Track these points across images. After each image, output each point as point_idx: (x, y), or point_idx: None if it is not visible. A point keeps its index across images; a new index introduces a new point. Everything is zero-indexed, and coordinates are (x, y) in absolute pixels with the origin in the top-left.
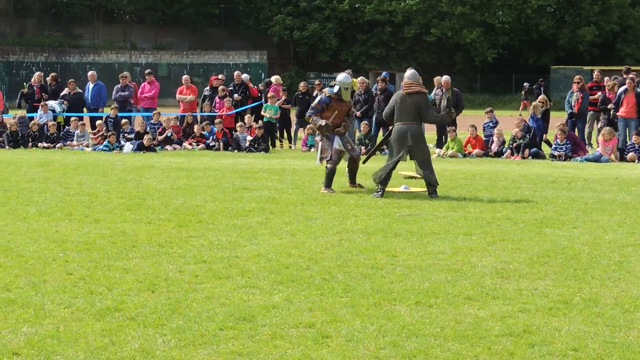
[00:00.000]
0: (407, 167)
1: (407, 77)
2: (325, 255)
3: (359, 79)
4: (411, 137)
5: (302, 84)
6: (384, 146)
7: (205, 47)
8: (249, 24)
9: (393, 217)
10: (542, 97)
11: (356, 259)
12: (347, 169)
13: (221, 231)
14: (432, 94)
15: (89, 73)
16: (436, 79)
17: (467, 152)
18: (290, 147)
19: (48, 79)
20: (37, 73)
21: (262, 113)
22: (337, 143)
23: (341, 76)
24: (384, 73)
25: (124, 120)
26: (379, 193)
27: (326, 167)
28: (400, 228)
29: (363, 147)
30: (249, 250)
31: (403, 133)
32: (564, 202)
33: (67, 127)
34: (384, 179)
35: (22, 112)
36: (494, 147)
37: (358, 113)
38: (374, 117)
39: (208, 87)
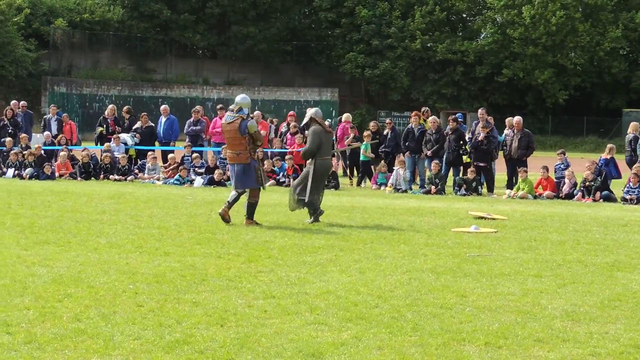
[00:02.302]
0: (477, 208)
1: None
2: (394, 293)
3: (430, 118)
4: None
5: (372, 123)
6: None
7: (277, 83)
8: (320, 61)
9: (463, 257)
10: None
11: (425, 298)
12: (247, 202)
13: (290, 267)
14: (504, 134)
15: (162, 107)
16: (508, 119)
17: (537, 193)
18: (361, 185)
19: (122, 111)
20: (111, 106)
21: (362, 153)
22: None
23: (242, 97)
24: (458, 114)
25: (194, 155)
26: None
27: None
28: (469, 268)
29: (433, 187)
30: (318, 287)
31: (328, 167)
32: (636, 245)
33: (143, 160)
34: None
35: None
36: (565, 189)
37: (429, 152)
38: (445, 157)
39: (285, 124)
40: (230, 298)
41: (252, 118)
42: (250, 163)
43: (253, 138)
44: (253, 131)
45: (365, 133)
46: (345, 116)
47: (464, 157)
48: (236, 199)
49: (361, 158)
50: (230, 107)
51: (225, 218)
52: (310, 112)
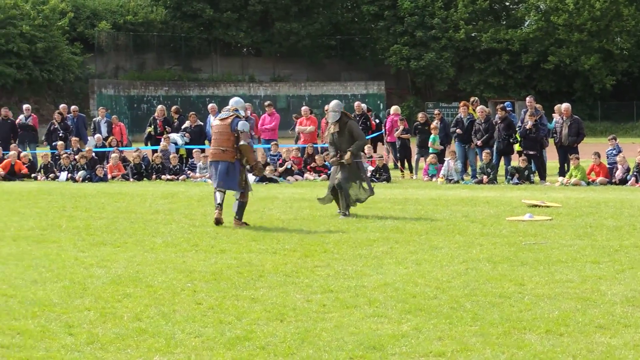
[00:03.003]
0: (530, 196)
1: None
2: (452, 284)
3: (479, 107)
4: None
5: (420, 114)
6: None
7: (323, 78)
8: (365, 54)
9: (519, 245)
10: None
11: (483, 288)
12: (236, 202)
13: (347, 261)
14: (553, 122)
15: (210, 106)
16: (556, 107)
17: (590, 180)
18: (412, 177)
19: (171, 112)
20: (160, 106)
21: (429, 145)
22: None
23: (236, 100)
24: (506, 103)
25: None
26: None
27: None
28: (526, 257)
29: (485, 176)
30: (375, 280)
31: None
32: None
33: (191, 160)
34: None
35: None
36: (618, 175)
37: (479, 142)
38: (495, 146)
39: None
40: (288, 293)
41: (246, 119)
42: (235, 163)
43: (238, 140)
44: (241, 130)
45: (433, 125)
46: (394, 109)
47: (516, 146)
48: (223, 198)
49: (430, 151)
50: (226, 108)
51: (220, 222)
52: (338, 106)
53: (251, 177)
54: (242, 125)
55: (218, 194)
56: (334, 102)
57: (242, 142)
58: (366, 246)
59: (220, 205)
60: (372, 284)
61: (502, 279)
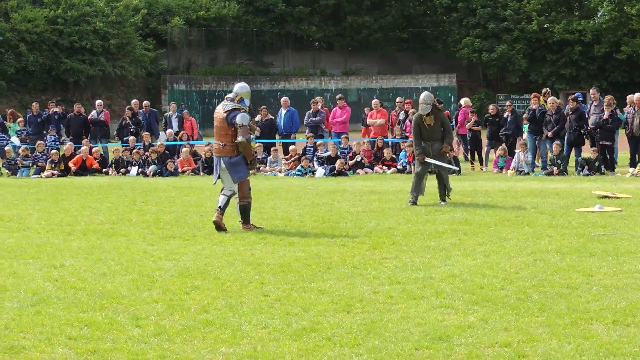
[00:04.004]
0: (601, 187)
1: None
2: (519, 275)
3: (550, 99)
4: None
5: (491, 106)
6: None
7: (394, 71)
8: (437, 47)
9: (587, 236)
10: None
11: (551, 279)
12: (238, 205)
13: (415, 252)
14: (625, 112)
15: (282, 99)
16: (629, 97)
17: None
18: (482, 169)
19: None
20: None
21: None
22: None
23: (241, 86)
24: (577, 94)
25: (319, 142)
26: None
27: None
28: (595, 247)
29: (555, 168)
30: (443, 271)
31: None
32: None
33: (265, 154)
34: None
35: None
36: None
37: (550, 134)
38: (566, 138)
39: (402, 111)
40: (355, 285)
41: (246, 111)
42: (238, 156)
43: (237, 133)
44: (239, 124)
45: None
46: (465, 100)
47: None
48: (227, 203)
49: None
50: (229, 96)
51: (220, 226)
52: (429, 97)
53: (320, 171)
54: (240, 118)
55: (221, 196)
56: (425, 94)
57: (239, 138)
58: (434, 238)
59: (221, 208)
60: (440, 275)
61: (570, 270)
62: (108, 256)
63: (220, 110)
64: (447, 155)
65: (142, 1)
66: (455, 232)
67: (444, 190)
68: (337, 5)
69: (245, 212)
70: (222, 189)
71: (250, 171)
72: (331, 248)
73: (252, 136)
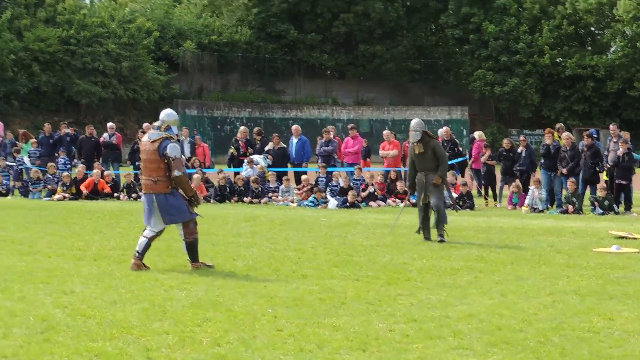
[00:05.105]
0: (617, 227)
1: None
2: (538, 316)
3: (564, 134)
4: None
5: (505, 140)
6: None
7: (406, 102)
8: (449, 78)
9: (606, 278)
10: None
11: (571, 322)
12: (184, 242)
13: (430, 290)
14: None
15: (293, 127)
16: None
17: None
18: (496, 204)
19: (253, 133)
20: (242, 128)
21: None
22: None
23: (167, 113)
24: (591, 130)
25: (334, 173)
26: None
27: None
28: (614, 290)
29: (570, 206)
30: (459, 310)
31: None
32: None
33: (276, 183)
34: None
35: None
36: None
37: (564, 170)
38: (581, 175)
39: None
40: (371, 322)
41: (178, 141)
42: (173, 192)
43: (170, 167)
44: (172, 156)
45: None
46: (478, 134)
47: (602, 174)
48: (147, 246)
49: None
50: (156, 123)
51: (140, 269)
52: (419, 125)
53: (333, 202)
54: (171, 149)
55: (141, 238)
56: (415, 120)
57: (175, 173)
58: (450, 275)
59: (139, 253)
60: (457, 314)
61: (590, 312)
62: (119, 283)
63: (146, 141)
64: (441, 186)
65: (155, 24)
66: (471, 270)
67: (440, 219)
68: (349, 34)
69: (192, 249)
70: (144, 230)
71: (194, 208)
72: (345, 282)
73: (186, 170)
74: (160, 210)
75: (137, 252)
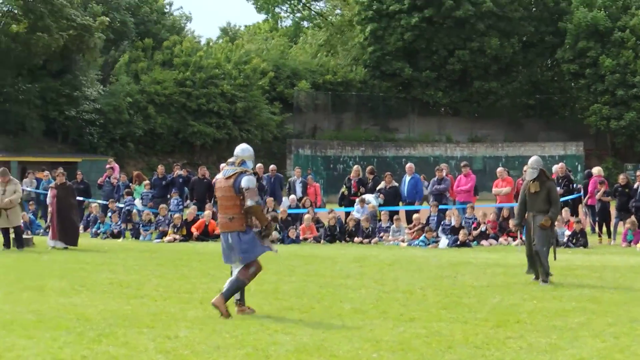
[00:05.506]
0: None
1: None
2: None
3: None
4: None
5: (621, 176)
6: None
7: (520, 139)
8: (564, 114)
9: None
10: None
11: None
12: (233, 279)
13: (540, 332)
14: None
15: (407, 165)
16: None
17: None
18: (610, 242)
19: (366, 172)
20: (355, 167)
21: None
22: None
23: (242, 148)
24: None
25: (448, 211)
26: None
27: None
28: None
29: None
30: (569, 354)
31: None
32: None
33: (388, 223)
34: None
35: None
36: None
37: None
38: None
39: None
40: None
41: (254, 174)
42: (247, 231)
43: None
44: (246, 187)
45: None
46: (597, 170)
47: None
48: (241, 289)
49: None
50: (231, 159)
51: (223, 312)
52: (538, 162)
53: (444, 241)
54: (246, 181)
55: (233, 278)
56: (533, 158)
57: (248, 203)
58: (561, 317)
59: (238, 299)
60: (567, 358)
61: None
62: (223, 328)
63: (221, 178)
64: (549, 230)
65: (270, 64)
66: (583, 311)
67: (543, 265)
68: (463, 71)
69: (234, 289)
70: (232, 271)
71: (269, 239)
72: (453, 325)
73: (260, 200)
74: (235, 249)
75: (236, 299)
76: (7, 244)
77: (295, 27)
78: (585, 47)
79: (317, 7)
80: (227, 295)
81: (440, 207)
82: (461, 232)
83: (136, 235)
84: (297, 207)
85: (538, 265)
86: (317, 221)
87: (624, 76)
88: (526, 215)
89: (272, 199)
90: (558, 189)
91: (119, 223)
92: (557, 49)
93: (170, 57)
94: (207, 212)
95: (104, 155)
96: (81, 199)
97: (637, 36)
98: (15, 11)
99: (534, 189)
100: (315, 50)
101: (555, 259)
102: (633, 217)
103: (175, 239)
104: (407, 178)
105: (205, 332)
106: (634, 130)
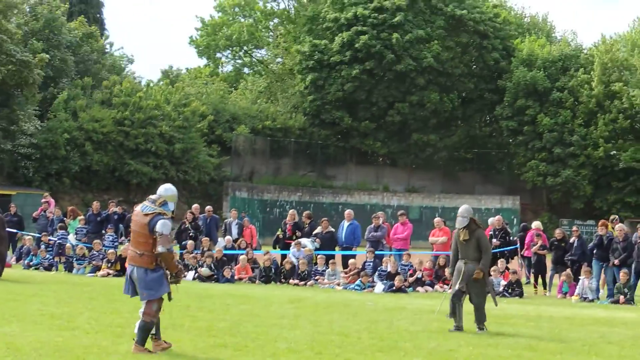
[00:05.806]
0: None
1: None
2: None
3: (617, 226)
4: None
5: (558, 230)
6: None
7: (457, 190)
8: (501, 169)
9: None
10: None
11: None
12: (139, 322)
13: None
14: None
15: (346, 212)
16: None
17: None
18: (545, 293)
19: (303, 216)
20: (291, 211)
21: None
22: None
23: (166, 188)
24: None
25: (385, 258)
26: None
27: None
28: None
29: (622, 296)
30: None
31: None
32: None
33: (324, 266)
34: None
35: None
36: None
37: (617, 261)
38: (633, 266)
39: None
40: None
41: (171, 218)
42: (156, 269)
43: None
44: (159, 232)
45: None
46: (536, 224)
47: None
48: (154, 325)
49: None
50: (152, 197)
51: (156, 352)
52: (467, 211)
53: (379, 286)
54: (161, 226)
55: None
56: (463, 207)
57: (159, 249)
58: None
59: (153, 334)
60: None
61: None
62: None
63: (139, 211)
64: (483, 281)
65: (210, 108)
66: (519, 358)
67: (480, 316)
68: (402, 123)
69: (144, 331)
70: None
71: (176, 285)
72: None
73: (172, 246)
74: (138, 285)
75: (142, 343)
76: None
77: (235, 73)
78: (524, 105)
79: (259, 55)
80: (141, 341)
81: (377, 252)
82: (397, 278)
83: (69, 268)
84: (233, 247)
85: (475, 319)
86: (253, 262)
87: (562, 134)
88: (457, 263)
89: (207, 239)
90: (494, 240)
91: (47, 257)
92: (496, 105)
93: (110, 97)
94: None
95: (39, 189)
96: (14, 231)
97: (575, 97)
98: None
99: (463, 236)
100: (255, 97)
101: (496, 305)
102: (569, 270)
103: (109, 274)
104: (346, 224)
105: None
106: (569, 187)
